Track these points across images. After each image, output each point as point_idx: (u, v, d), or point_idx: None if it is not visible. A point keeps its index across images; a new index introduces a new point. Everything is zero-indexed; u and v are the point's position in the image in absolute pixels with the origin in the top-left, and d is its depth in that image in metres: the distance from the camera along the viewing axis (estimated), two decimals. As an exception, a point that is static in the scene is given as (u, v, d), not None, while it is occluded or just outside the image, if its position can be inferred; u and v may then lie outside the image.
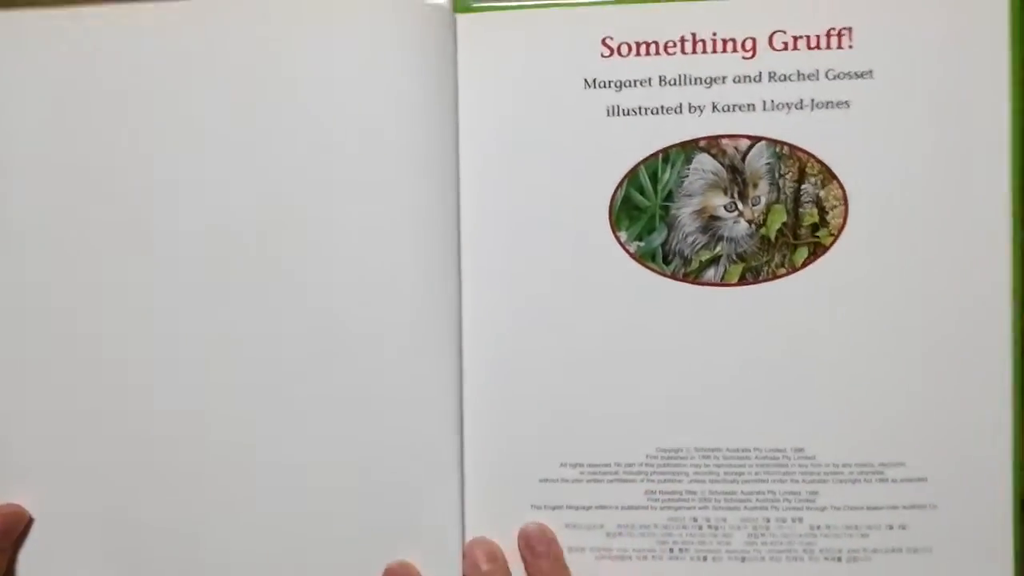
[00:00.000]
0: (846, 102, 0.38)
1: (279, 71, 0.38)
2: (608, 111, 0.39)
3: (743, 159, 0.38)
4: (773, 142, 0.38)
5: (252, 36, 0.38)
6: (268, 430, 0.38)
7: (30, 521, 0.39)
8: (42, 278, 0.39)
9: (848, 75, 0.38)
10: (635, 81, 0.39)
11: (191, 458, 0.39)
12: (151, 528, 0.39)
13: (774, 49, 0.38)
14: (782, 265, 0.39)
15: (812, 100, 0.38)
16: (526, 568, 0.39)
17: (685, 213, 0.39)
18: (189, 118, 0.38)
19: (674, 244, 0.39)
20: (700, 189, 0.39)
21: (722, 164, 0.39)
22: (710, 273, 0.39)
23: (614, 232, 0.39)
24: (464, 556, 0.39)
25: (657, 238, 0.39)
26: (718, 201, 0.39)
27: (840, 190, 0.38)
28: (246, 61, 0.38)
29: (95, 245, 0.39)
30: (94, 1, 0.39)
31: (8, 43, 0.39)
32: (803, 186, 0.38)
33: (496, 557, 0.38)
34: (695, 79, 0.39)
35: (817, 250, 0.38)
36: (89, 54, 0.38)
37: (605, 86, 0.39)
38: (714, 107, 0.38)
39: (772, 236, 0.39)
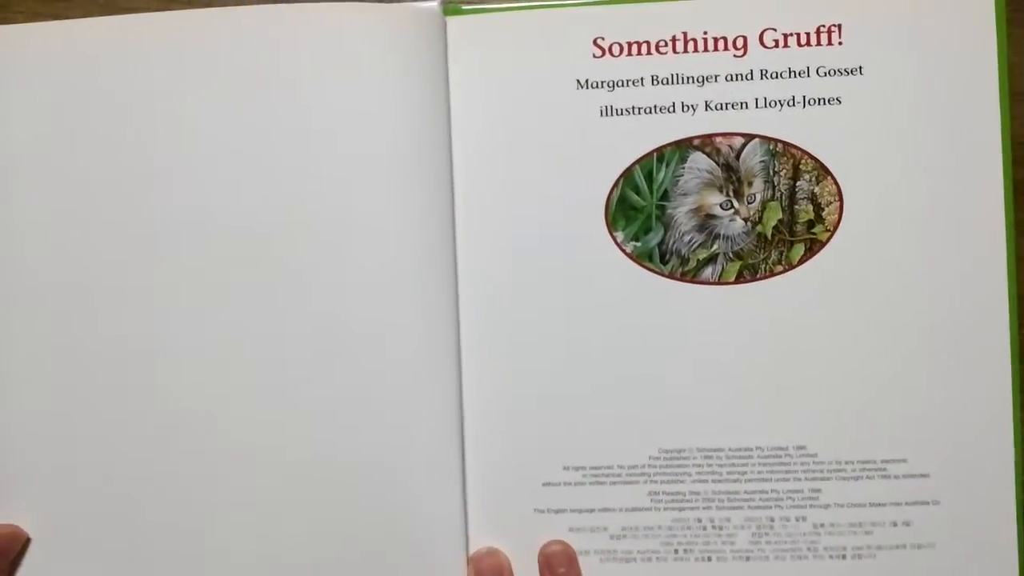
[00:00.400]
0: (837, 98, 0.38)
1: (271, 76, 0.38)
2: (601, 111, 0.39)
3: (737, 157, 0.38)
4: (767, 139, 0.38)
5: (245, 42, 0.38)
6: (265, 434, 0.38)
7: (27, 541, 0.38)
8: (42, 280, 0.38)
9: (839, 72, 0.38)
10: (628, 81, 0.39)
11: (190, 460, 0.38)
12: (150, 528, 0.38)
13: (765, 47, 0.38)
14: (779, 262, 0.38)
15: (804, 97, 0.38)
16: None
17: (681, 212, 0.39)
18: (186, 122, 0.38)
19: (671, 243, 0.39)
20: (695, 188, 0.39)
21: (717, 162, 0.38)
22: (707, 272, 0.39)
23: (610, 233, 0.39)
24: (470, 563, 0.38)
25: (654, 238, 0.39)
26: (714, 199, 0.39)
27: (834, 186, 0.38)
28: (239, 67, 0.38)
29: (96, 247, 0.38)
30: (95, 13, 0.39)
31: (12, 54, 0.39)
32: (798, 183, 0.38)
33: (502, 569, 0.38)
34: (687, 78, 0.39)
35: (813, 246, 0.38)
36: (92, 62, 0.38)
37: (598, 86, 0.39)
38: (707, 106, 0.38)
39: (768, 233, 0.39)
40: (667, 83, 0.39)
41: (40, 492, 0.39)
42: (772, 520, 0.39)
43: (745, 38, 0.38)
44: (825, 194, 0.38)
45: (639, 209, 0.39)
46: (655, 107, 0.39)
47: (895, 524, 0.39)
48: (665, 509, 0.39)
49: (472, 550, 0.39)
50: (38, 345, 0.39)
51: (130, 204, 0.38)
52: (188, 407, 0.38)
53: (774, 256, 0.39)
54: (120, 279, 0.38)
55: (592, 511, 0.39)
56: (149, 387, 0.38)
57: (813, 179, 0.38)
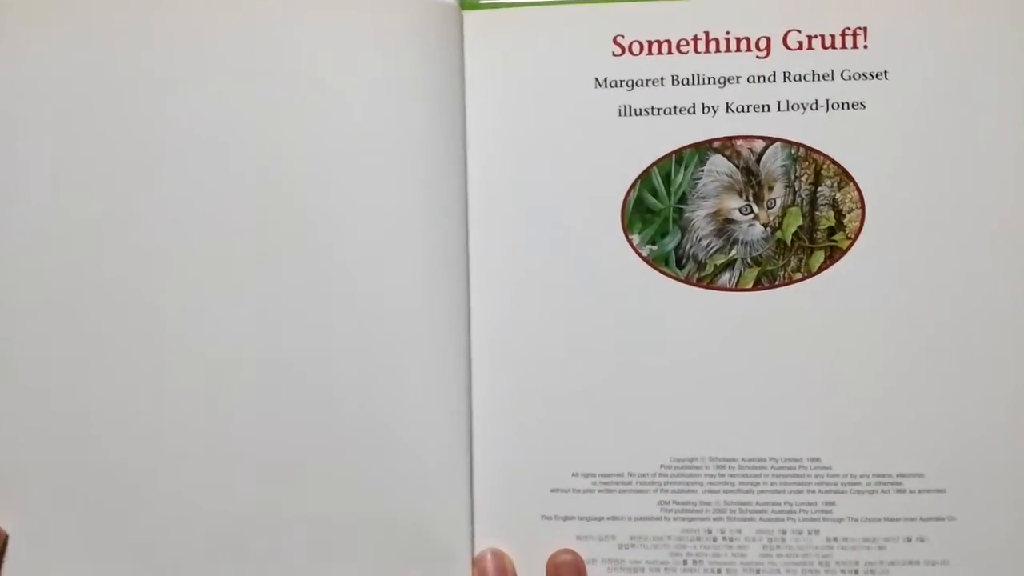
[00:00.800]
0: (861, 103, 0.38)
1: (284, 68, 0.37)
2: (620, 111, 0.38)
3: (758, 161, 0.38)
4: (788, 143, 0.38)
5: (257, 33, 0.37)
6: (272, 438, 0.37)
7: (6, 539, 0.38)
8: (36, 273, 0.38)
9: (863, 76, 0.38)
10: (647, 80, 0.38)
11: (191, 463, 0.38)
12: (145, 531, 0.38)
13: (788, 49, 0.38)
14: (798, 269, 0.38)
15: (828, 101, 0.38)
16: None
17: (699, 216, 0.38)
18: (197, 111, 0.37)
19: (688, 248, 0.38)
20: (714, 191, 0.38)
21: (737, 166, 0.38)
22: (725, 277, 0.38)
23: (626, 235, 0.38)
24: (473, 565, 0.38)
25: (670, 241, 0.38)
26: (733, 204, 0.38)
27: (857, 192, 0.38)
28: (252, 58, 0.37)
29: (100, 240, 0.38)
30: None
31: (14, 35, 0.38)
32: (819, 188, 0.38)
33: (505, 570, 0.38)
34: (708, 79, 0.38)
35: (834, 254, 0.38)
36: (96, 49, 0.38)
37: (616, 85, 0.38)
38: (728, 107, 0.38)
39: (788, 239, 0.38)
40: (687, 83, 0.38)
41: (26, 485, 0.38)
42: (784, 533, 0.38)
43: (768, 39, 0.38)
44: (847, 201, 0.38)
45: (656, 212, 0.38)
46: (675, 108, 0.38)
47: (909, 540, 0.38)
48: (675, 519, 0.38)
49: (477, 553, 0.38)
50: (25, 334, 0.38)
51: (138, 191, 0.38)
52: (186, 407, 0.37)
53: (793, 263, 0.38)
54: (122, 266, 0.38)
55: (600, 519, 0.38)
56: (145, 385, 0.37)
57: (835, 185, 0.38)
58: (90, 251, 0.38)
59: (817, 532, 0.38)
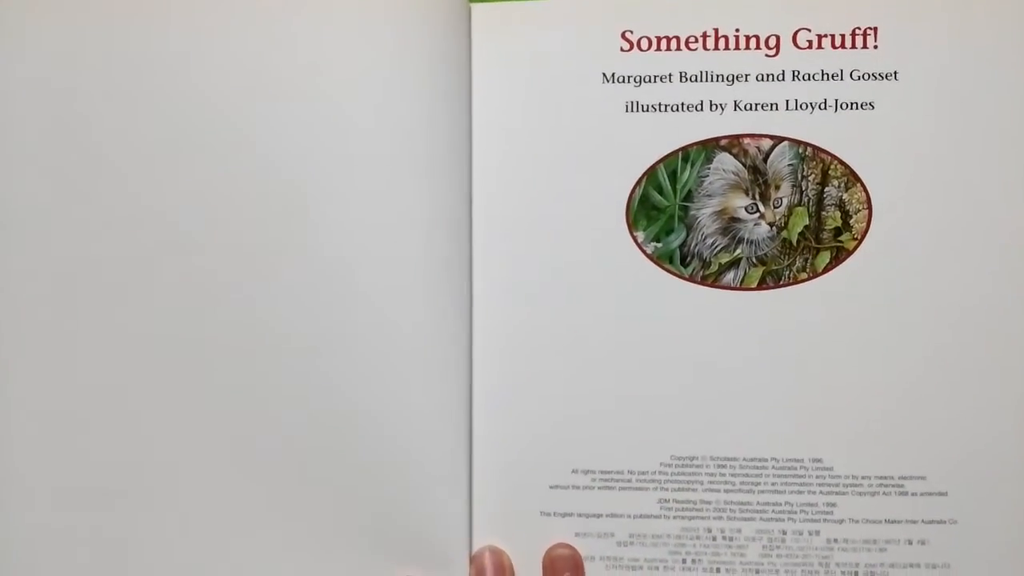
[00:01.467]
0: (870, 103, 0.37)
1: (290, 60, 0.37)
2: (627, 107, 0.38)
3: (765, 160, 0.38)
4: (796, 143, 0.37)
5: (263, 25, 0.37)
6: (271, 437, 0.37)
7: None
8: (36, 270, 0.38)
9: (873, 76, 0.37)
10: (655, 77, 0.38)
11: (191, 468, 0.38)
12: (143, 531, 0.38)
13: (798, 47, 0.37)
14: (803, 269, 0.38)
15: (836, 100, 0.37)
16: None
17: (705, 214, 0.38)
18: (198, 106, 0.37)
19: (693, 246, 0.38)
20: (721, 189, 0.38)
21: (744, 164, 0.38)
22: (729, 276, 0.38)
23: (631, 232, 0.38)
24: (471, 562, 0.38)
25: (675, 239, 0.38)
26: (739, 202, 0.38)
27: (864, 193, 0.37)
28: (257, 50, 0.37)
29: (99, 236, 0.38)
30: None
31: (15, 27, 0.38)
32: (826, 189, 0.37)
33: (503, 568, 0.38)
34: (717, 76, 0.38)
35: (840, 255, 0.37)
36: (100, 41, 0.37)
37: (624, 81, 0.38)
38: (736, 105, 0.38)
39: (794, 239, 0.38)
40: (696, 80, 0.38)
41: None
42: (784, 533, 0.38)
43: (778, 37, 0.37)
44: (854, 201, 0.37)
45: (661, 209, 0.38)
46: (682, 105, 0.38)
47: (910, 542, 0.38)
48: (675, 517, 0.38)
49: (475, 550, 0.38)
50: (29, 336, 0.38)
51: (138, 188, 0.37)
52: (187, 409, 0.37)
53: (799, 263, 0.38)
54: (120, 264, 0.38)
55: (599, 516, 0.38)
56: (145, 384, 0.38)
57: (842, 185, 0.37)
58: (89, 247, 0.38)
59: (818, 533, 0.38)
